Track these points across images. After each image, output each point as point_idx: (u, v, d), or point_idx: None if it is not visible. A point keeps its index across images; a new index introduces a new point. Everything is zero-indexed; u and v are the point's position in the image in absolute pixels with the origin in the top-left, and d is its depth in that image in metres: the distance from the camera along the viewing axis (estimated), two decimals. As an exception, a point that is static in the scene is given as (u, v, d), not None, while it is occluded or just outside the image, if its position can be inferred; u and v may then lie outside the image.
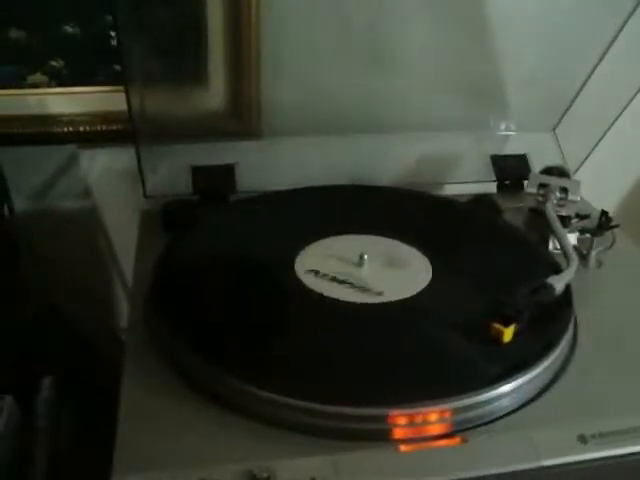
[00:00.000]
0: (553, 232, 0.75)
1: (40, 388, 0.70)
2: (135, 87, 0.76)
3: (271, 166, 0.87)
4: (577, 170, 0.94)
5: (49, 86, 0.86)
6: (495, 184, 0.94)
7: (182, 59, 0.83)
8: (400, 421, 0.53)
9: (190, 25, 0.82)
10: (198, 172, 0.83)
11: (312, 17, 0.83)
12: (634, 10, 0.83)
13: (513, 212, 0.86)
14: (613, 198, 1.20)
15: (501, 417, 0.55)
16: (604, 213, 0.78)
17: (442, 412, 0.53)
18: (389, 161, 0.94)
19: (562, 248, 0.72)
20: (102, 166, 0.95)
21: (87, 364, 0.82)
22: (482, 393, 0.54)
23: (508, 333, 0.58)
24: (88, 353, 0.84)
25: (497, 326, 0.58)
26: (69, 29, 0.83)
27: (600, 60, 0.88)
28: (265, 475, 0.48)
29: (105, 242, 0.99)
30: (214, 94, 0.87)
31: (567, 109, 0.94)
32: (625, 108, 0.87)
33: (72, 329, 0.85)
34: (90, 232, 0.99)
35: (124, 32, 0.73)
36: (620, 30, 0.85)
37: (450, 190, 0.96)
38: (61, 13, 0.82)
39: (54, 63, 0.84)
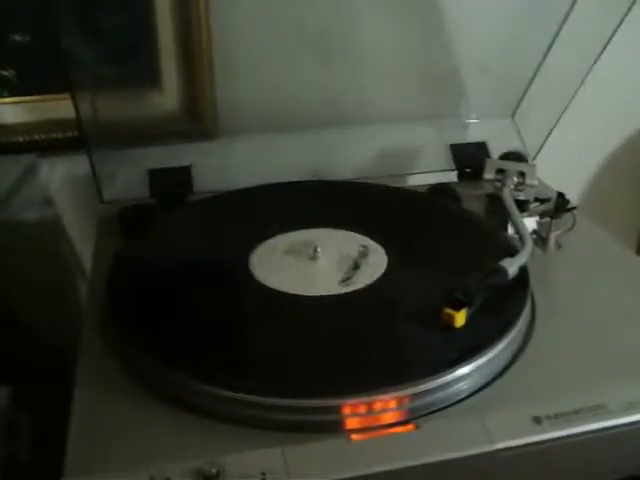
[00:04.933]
0: (509, 217, 0.75)
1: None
2: (85, 93, 0.76)
3: (229, 165, 0.87)
4: (537, 154, 0.94)
5: (1, 96, 0.85)
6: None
7: (133, 62, 0.83)
8: (351, 411, 0.52)
9: (139, 27, 0.82)
10: (154, 175, 0.83)
11: (264, 13, 0.82)
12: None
13: (474, 200, 0.85)
14: (580, 181, 1.20)
15: (455, 403, 0.54)
16: (560, 195, 0.78)
17: (393, 400, 0.53)
18: (350, 155, 0.93)
19: (517, 232, 0.72)
20: (63, 174, 0.94)
21: (52, 371, 0.81)
22: (433, 379, 0.54)
23: (460, 318, 0.58)
24: (53, 360, 0.84)
25: (448, 311, 0.58)
26: (17, 38, 0.82)
27: (552, 42, 0.88)
28: (214, 471, 0.47)
29: (69, 250, 0.98)
30: (168, 96, 0.86)
31: (524, 94, 0.94)
32: (579, 87, 0.87)
33: (35, 336, 0.84)
34: (53, 241, 0.98)
35: (68, 38, 0.72)
36: (570, 10, 0.85)
37: (413, 181, 0.96)
38: (10, 22, 0.82)
39: (5, 72, 0.84)
